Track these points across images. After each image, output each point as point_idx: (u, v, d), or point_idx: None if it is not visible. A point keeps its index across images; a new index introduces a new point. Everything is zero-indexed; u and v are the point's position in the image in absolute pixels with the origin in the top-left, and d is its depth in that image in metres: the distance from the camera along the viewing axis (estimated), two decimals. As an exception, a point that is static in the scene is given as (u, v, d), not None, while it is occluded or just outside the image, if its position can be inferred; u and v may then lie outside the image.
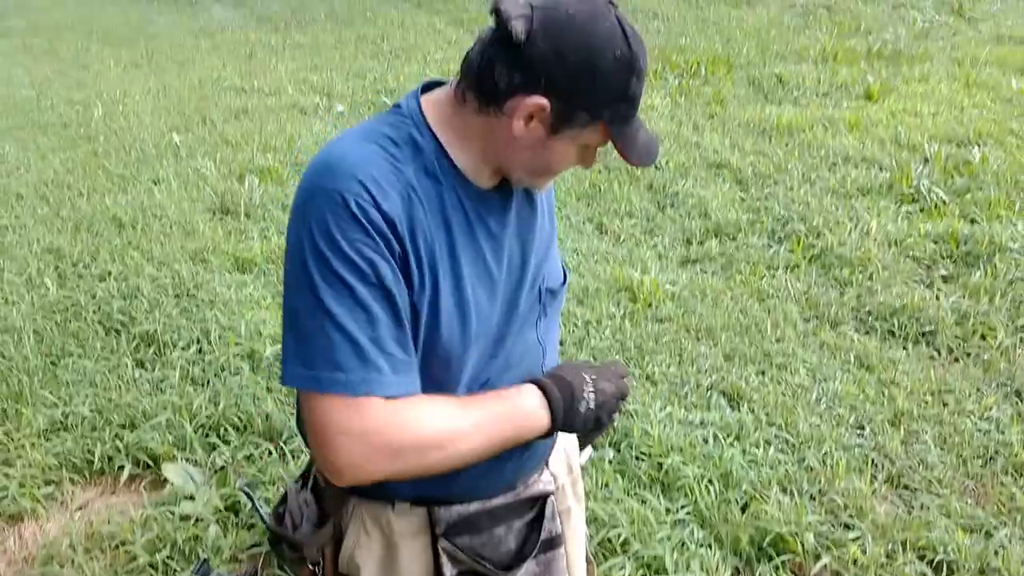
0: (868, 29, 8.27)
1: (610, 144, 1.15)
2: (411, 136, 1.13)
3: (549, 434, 1.22)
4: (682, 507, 2.55)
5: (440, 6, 11.04)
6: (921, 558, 2.38)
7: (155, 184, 5.32)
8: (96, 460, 2.81)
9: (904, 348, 3.35)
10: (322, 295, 1.03)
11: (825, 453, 2.77)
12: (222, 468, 2.77)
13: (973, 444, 2.80)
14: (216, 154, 5.84)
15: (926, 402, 3.02)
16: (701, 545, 2.42)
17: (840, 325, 3.51)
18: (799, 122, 5.79)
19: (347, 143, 1.12)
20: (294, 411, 2.93)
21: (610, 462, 2.73)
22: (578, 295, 3.79)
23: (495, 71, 1.07)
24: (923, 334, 3.42)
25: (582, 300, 3.76)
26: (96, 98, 7.41)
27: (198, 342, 3.47)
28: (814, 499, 2.60)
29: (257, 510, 1.61)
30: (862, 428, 2.92)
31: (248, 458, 2.82)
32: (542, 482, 1.37)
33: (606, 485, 2.63)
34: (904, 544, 2.40)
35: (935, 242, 4.08)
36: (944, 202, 4.45)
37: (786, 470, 2.70)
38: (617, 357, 3.31)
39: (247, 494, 1.71)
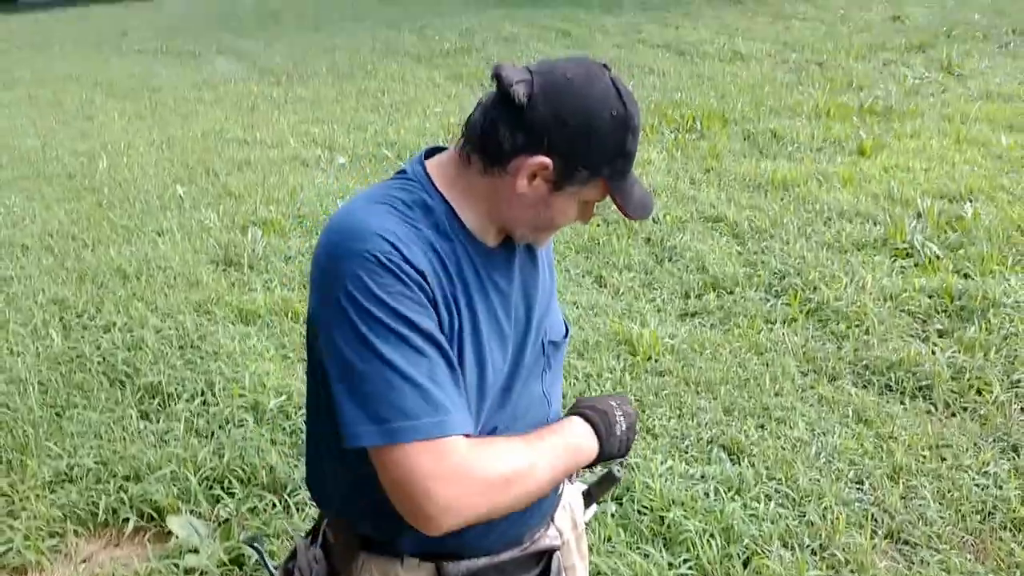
0: (860, 85, 8.42)
1: (607, 199, 1.22)
2: (422, 198, 1.18)
3: (596, 462, 1.29)
4: (684, 561, 2.56)
5: (439, 61, 11.23)
6: (922, 614, 2.39)
7: (159, 235, 5.37)
8: (100, 512, 2.82)
9: (901, 402, 3.38)
10: (380, 348, 1.05)
11: (825, 507, 2.78)
12: (226, 521, 2.78)
13: (972, 499, 2.82)
14: (219, 206, 5.90)
15: (924, 457, 3.04)
16: (704, 600, 2.43)
17: (838, 379, 3.55)
18: (794, 177, 5.87)
19: (361, 206, 1.17)
20: (299, 464, 2.97)
21: (612, 516, 2.75)
22: (578, 348, 3.82)
23: (499, 133, 1.14)
24: (920, 388, 3.44)
25: (582, 353, 3.80)
26: (101, 149, 7.50)
27: (202, 394, 3.50)
28: (815, 554, 2.61)
29: (266, 565, 1.63)
30: (861, 483, 2.94)
31: (252, 510, 2.84)
32: (548, 537, 1.40)
33: (609, 539, 2.65)
34: (905, 600, 2.42)
35: (930, 296, 4.12)
36: (938, 257, 4.51)
37: (787, 524, 2.71)
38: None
39: (256, 549, 1.73)
